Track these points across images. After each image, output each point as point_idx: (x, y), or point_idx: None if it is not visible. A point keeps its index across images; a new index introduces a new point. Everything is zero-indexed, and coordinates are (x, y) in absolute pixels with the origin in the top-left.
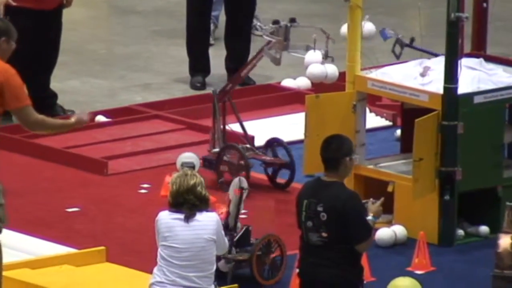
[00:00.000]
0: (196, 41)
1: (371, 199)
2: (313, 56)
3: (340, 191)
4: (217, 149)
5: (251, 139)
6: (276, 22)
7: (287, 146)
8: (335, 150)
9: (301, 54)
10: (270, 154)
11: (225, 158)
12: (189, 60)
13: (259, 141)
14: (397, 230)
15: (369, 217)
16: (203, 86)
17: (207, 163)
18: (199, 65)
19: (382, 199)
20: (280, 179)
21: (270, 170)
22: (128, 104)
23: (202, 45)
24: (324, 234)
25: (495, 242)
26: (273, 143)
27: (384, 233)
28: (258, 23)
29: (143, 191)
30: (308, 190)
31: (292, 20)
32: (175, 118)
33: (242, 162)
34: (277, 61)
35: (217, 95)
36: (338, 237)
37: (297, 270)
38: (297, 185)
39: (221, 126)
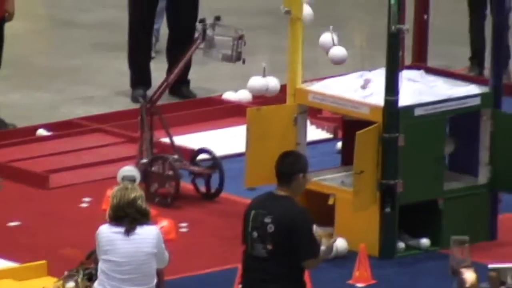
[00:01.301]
0: (137, 54)
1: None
2: None
3: (290, 205)
4: (145, 160)
5: (182, 152)
6: (202, 20)
7: (215, 155)
8: (290, 164)
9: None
10: (199, 165)
11: (153, 169)
12: (130, 73)
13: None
14: (338, 243)
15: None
16: (145, 99)
17: None
18: (140, 78)
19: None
20: (203, 188)
21: (199, 181)
22: (69, 118)
23: (144, 58)
24: (269, 246)
25: (438, 254)
26: (200, 154)
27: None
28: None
29: (84, 205)
30: (257, 202)
31: (217, 19)
32: (116, 131)
33: (171, 173)
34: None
35: (144, 106)
36: (283, 250)
37: (240, 286)
38: (226, 195)
39: (149, 138)
